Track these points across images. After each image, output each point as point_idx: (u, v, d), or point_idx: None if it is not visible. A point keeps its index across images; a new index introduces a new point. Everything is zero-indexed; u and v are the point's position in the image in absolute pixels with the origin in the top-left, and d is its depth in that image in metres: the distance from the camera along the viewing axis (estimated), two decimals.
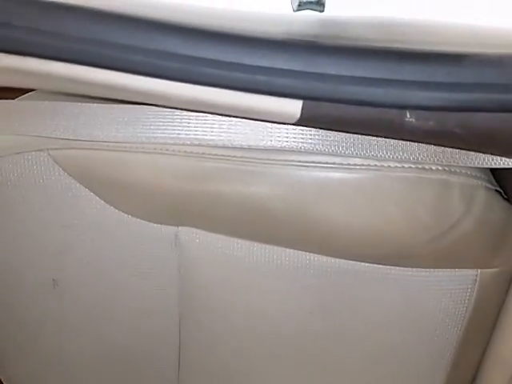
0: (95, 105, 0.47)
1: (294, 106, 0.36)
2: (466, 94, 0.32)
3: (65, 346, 0.63)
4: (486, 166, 0.42)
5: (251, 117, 0.39)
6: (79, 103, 0.47)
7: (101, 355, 0.63)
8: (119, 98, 0.42)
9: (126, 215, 0.51)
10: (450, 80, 0.32)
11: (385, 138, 0.41)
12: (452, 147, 0.41)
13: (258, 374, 0.60)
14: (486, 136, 0.35)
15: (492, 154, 0.40)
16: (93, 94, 0.42)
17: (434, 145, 0.41)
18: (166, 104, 0.41)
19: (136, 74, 0.36)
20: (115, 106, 0.46)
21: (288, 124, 0.39)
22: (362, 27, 0.34)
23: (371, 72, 0.32)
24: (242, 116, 0.40)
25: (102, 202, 0.50)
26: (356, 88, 0.33)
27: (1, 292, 0.60)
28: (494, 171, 0.47)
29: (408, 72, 0.32)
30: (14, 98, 0.51)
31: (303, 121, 0.37)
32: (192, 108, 0.40)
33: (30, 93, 0.52)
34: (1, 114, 0.48)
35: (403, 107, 0.33)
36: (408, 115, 0.34)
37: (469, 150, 0.41)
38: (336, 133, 0.42)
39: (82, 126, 0.46)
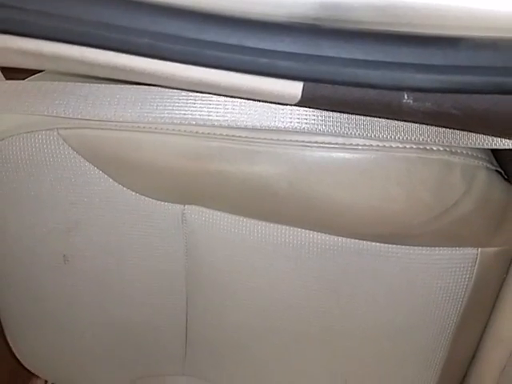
0: (103, 85, 0.48)
1: (295, 88, 0.37)
2: (462, 77, 0.32)
3: (75, 319, 0.65)
4: (487, 147, 0.43)
5: (254, 98, 0.40)
6: (88, 84, 0.48)
7: (110, 329, 0.64)
8: (126, 79, 0.42)
9: (133, 193, 0.52)
10: (446, 62, 0.32)
11: (385, 118, 0.42)
12: (451, 128, 0.41)
13: (262, 350, 0.62)
14: (482, 117, 0.35)
15: (490, 135, 0.41)
16: (101, 75, 0.43)
17: (434, 126, 0.42)
18: (172, 85, 0.42)
19: (142, 56, 0.37)
20: (123, 86, 0.47)
21: (289, 105, 0.40)
22: (362, 10, 0.34)
23: (369, 55, 0.33)
24: (245, 97, 0.41)
25: (111, 180, 0.51)
26: (355, 70, 0.33)
27: (14, 267, 0.61)
28: (495, 152, 0.48)
29: (405, 55, 0.33)
30: (23, 79, 0.51)
31: (304, 102, 0.38)
32: (197, 89, 0.41)
33: (38, 74, 0.52)
34: (12, 94, 0.49)
35: (401, 89, 0.34)
36: (406, 97, 0.34)
37: (467, 130, 0.41)
38: (339, 114, 0.43)
39: (91, 106, 0.47)
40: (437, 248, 0.50)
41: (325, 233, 0.50)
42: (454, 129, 0.42)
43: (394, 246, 0.50)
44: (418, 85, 0.33)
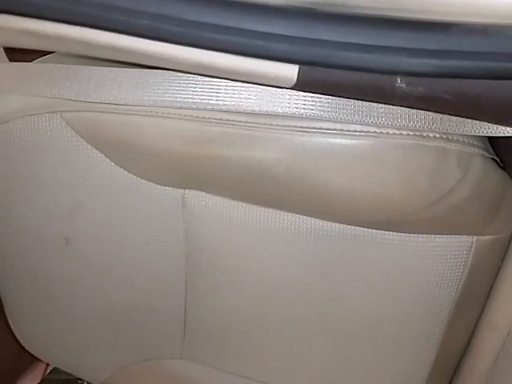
0: (105, 68, 0.48)
1: (291, 71, 0.37)
2: (453, 61, 0.33)
3: (77, 302, 0.66)
4: (482, 134, 0.43)
5: (251, 80, 0.41)
6: (90, 67, 0.49)
7: (110, 312, 0.65)
8: (127, 60, 0.43)
9: (135, 177, 0.52)
10: (438, 47, 0.33)
11: (378, 103, 0.42)
12: (444, 113, 0.42)
13: (259, 334, 0.62)
14: (474, 102, 0.36)
15: (482, 120, 0.41)
16: (104, 57, 0.44)
17: (429, 111, 0.42)
18: (171, 67, 0.43)
19: (142, 38, 0.37)
20: (125, 69, 0.48)
21: (286, 88, 0.40)
22: None
23: (363, 38, 0.34)
24: (242, 79, 0.42)
25: (112, 163, 0.52)
26: (349, 54, 0.34)
27: (17, 250, 0.62)
28: (491, 140, 0.48)
29: (398, 39, 0.33)
30: (30, 61, 0.52)
31: (300, 85, 0.38)
32: (194, 71, 0.42)
33: (46, 56, 0.53)
34: (16, 76, 0.50)
35: (394, 73, 0.35)
36: (399, 81, 0.35)
37: (460, 116, 0.42)
38: (337, 100, 0.43)
39: (93, 88, 0.48)
40: (432, 235, 0.50)
41: (322, 219, 0.51)
42: (446, 114, 0.42)
43: (390, 232, 0.50)
44: (410, 69, 0.34)
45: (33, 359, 0.82)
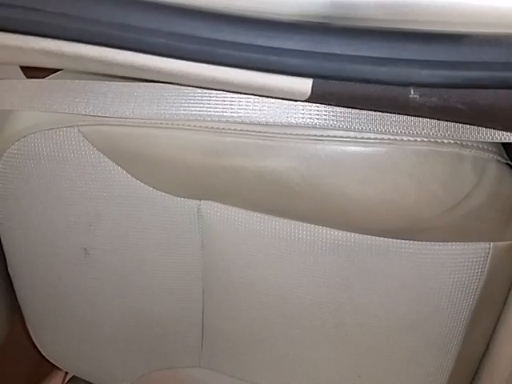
0: (121, 83, 0.49)
1: (305, 84, 0.38)
2: (466, 72, 0.33)
3: (95, 312, 0.66)
4: (497, 141, 0.43)
5: (265, 94, 0.41)
6: (107, 82, 0.49)
7: (128, 321, 0.66)
8: (143, 77, 0.44)
9: (151, 188, 0.53)
10: (451, 58, 0.33)
11: (393, 113, 0.42)
12: (457, 122, 0.42)
13: (277, 343, 0.62)
14: (487, 111, 0.36)
15: (496, 128, 0.41)
16: (119, 74, 0.44)
17: (441, 120, 0.42)
18: (187, 83, 0.43)
19: (158, 56, 0.38)
20: (140, 84, 0.48)
21: (300, 101, 0.41)
22: (371, 8, 0.35)
23: (376, 51, 0.34)
24: (257, 94, 0.42)
25: (129, 175, 0.52)
26: (362, 67, 0.34)
27: (36, 261, 0.63)
28: (506, 145, 0.48)
29: (411, 51, 0.34)
30: (43, 77, 0.53)
31: (314, 98, 0.39)
32: (210, 86, 0.42)
33: (57, 72, 0.54)
34: (33, 92, 0.51)
35: (407, 84, 0.35)
36: (412, 92, 0.35)
37: (473, 124, 0.42)
38: (350, 109, 0.43)
39: (110, 103, 0.48)
40: (449, 243, 0.50)
41: (338, 229, 0.51)
42: (460, 123, 0.42)
43: (406, 241, 0.50)
44: (423, 80, 0.34)
45: (52, 367, 0.82)
